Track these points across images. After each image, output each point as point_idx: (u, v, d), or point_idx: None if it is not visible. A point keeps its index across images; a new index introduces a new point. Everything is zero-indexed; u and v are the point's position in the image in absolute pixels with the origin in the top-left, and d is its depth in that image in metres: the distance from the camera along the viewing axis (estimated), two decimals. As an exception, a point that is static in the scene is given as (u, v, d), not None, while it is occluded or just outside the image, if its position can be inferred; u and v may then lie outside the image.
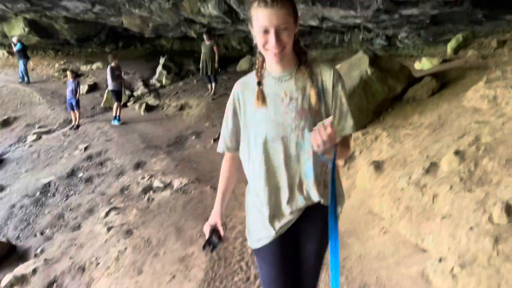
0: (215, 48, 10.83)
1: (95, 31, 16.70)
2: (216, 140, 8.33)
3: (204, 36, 10.96)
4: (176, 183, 6.16)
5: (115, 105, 10.58)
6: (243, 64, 14.54)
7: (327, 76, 1.70)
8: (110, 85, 10.54)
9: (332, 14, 7.60)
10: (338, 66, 5.94)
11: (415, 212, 3.53)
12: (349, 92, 5.36)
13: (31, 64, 16.58)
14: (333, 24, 9.03)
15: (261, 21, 1.56)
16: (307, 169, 1.73)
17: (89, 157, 8.44)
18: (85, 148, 8.96)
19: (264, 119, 1.72)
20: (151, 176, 6.60)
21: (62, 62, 16.87)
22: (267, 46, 1.59)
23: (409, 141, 4.72)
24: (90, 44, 18.20)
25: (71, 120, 11.16)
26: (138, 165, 7.53)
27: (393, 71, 5.68)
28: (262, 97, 1.71)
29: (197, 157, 7.58)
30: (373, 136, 5.21)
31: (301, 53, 1.73)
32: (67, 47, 18.13)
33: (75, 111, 10.74)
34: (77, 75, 15.20)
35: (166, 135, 9.24)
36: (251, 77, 1.79)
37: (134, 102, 12.74)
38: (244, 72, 13.69)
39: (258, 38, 1.61)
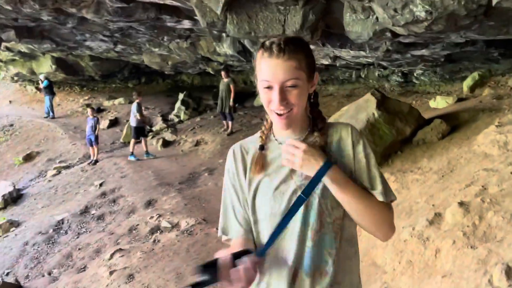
0: (231, 86, 10.99)
1: (118, 67, 17.29)
2: (228, 178, 8.34)
3: (222, 73, 11.18)
4: (183, 224, 6.14)
5: (132, 141, 10.78)
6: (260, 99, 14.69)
7: (344, 134, 1.35)
8: (133, 122, 10.74)
9: (343, 54, 7.64)
10: (345, 108, 5.91)
11: (417, 267, 3.37)
12: (356, 135, 5.32)
13: (57, 99, 17.24)
14: (346, 62, 9.07)
15: (264, 74, 1.28)
16: (306, 254, 1.30)
17: (103, 194, 8.55)
18: (100, 185, 9.10)
19: (263, 192, 1.36)
20: (159, 216, 6.61)
21: (86, 98, 17.47)
22: (271, 105, 1.30)
23: (416, 187, 4.59)
24: (114, 80, 18.83)
25: (90, 155, 11.41)
26: (149, 203, 7.57)
27: (402, 113, 5.60)
28: (261, 164, 1.37)
29: (208, 195, 7.57)
30: (380, 180, 5.09)
31: (319, 118, 1.39)
32: (92, 83, 18.80)
33: (94, 146, 11.00)
34: (99, 110, 15.72)
35: (180, 172, 9.31)
36: (253, 140, 1.48)
37: (152, 137, 12.97)
38: (261, 108, 13.76)
39: (261, 95, 1.33)
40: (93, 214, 7.84)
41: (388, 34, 5.12)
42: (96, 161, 10.97)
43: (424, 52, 6.70)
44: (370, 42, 5.84)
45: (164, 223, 6.30)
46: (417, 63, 8.74)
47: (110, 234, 6.56)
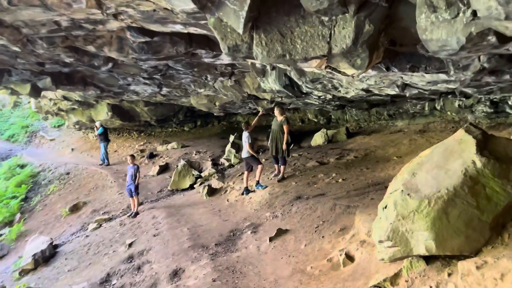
0: (285, 126, 8.95)
1: (173, 111, 16.53)
2: (272, 239, 6.53)
3: (276, 111, 9.18)
4: (203, 316, 4.42)
5: (246, 174, 9.26)
6: (318, 138, 12.87)
7: None
8: (246, 153, 9.19)
9: (415, 80, 5.73)
10: (426, 152, 3.94)
11: None
12: (447, 195, 3.32)
13: (114, 146, 16.78)
14: (418, 92, 7.06)
15: None
16: None
17: (130, 258, 7.13)
18: (130, 245, 7.72)
19: None
20: (178, 299, 4.95)
21: (142, 143, 16.80)
22: None
23: None
24: (170, 124, 18.14)
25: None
26: (174, 274, 5.98)
27: (519, 159, 3.52)
28: None
29: (245, 265, 5.80)
30: (495, 272, 3.02)
31: None
32: (149, 128, 18.24)
33: (134, 197, 9.81)
34: (152, 155, 14.83)
35: (220, 229, 7.67)
36: None
37: (201, 184, 11.62)
38: (319, 148, 11.92)
39: None
40: (113, 285, 6.39)
41: (492, 39, 3.20)
42: (136, 214, 9.74)
43: (536, 68, 4.60)
44: (458, 56, 3.92)
45: (180, 311, 4.62)
46: (515, 88, 6.52)
47: (116, 321, 5.00)
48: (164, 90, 11.34)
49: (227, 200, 9.54)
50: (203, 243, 6.97)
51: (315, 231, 6.21)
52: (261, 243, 6.52)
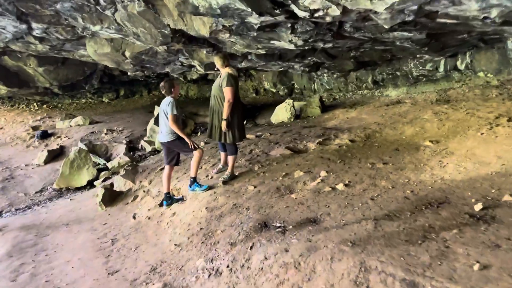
0: (226, 89, 4.41)
1: (82, 75, 11.42)
2: None
3: (216, 60, 4.47)
4: None
5: (166, 169, 4.78)
6: (281, 113, 8.60)
7: None
8: (166, 133, 4.52)
9: None
10: None
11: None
12: None
13: (1, 121, 11.48)
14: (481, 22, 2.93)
15: None
16: None
17: None
18: None
19: None
20: None
21: (39, 118, 11.60)
22: None
23: None
24: (83, 93, 13.01)
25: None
26: None
27: None
28: None
29: None
30: None
31: None
32: (55, 99, 13.01)
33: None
34: (45, 134, 9.81)
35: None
36: None
37: (105, 180, 7.05)
38: (286, 126, 7.56)
39: None
40: None
41: None
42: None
43: None
44: None
45: None
46: None
47: None
48: (36, 28, 6.40)
49: (134, 217, 5.07)
50: None
51: None
52: None
